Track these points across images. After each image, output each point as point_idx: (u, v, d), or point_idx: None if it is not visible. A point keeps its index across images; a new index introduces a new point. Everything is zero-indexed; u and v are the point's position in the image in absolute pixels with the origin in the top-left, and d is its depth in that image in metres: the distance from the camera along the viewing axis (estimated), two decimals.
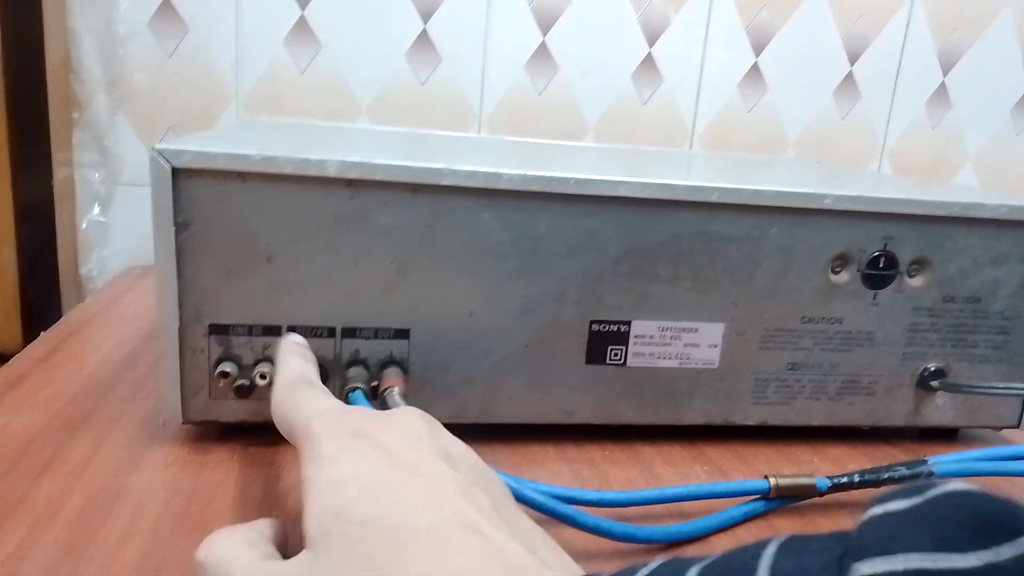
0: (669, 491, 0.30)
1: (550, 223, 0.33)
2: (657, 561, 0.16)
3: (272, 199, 0.31)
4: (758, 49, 0.70)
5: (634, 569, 0.16)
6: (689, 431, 0.38)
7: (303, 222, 0.31)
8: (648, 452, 0.36)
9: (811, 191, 0.34)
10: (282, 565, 0.20)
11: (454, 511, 0.18)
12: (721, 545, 0.29)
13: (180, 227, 0.31)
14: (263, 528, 0.23)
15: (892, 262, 0.36)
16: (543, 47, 0.66)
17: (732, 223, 0.34)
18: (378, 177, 0.31)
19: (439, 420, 0.35)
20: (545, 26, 0.66)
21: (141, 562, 0.25)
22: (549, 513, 0.27)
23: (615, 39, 0.67)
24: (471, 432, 0.36)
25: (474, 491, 0.20)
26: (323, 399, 0.24)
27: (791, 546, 0.15)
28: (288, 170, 0.30)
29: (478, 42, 0.65)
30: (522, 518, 0.21)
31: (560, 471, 0.34)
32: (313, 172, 0.31)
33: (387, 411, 0.23)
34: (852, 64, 0.72)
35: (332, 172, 0.31)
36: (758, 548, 0.15)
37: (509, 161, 0.35)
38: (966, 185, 0.77)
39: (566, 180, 0.32)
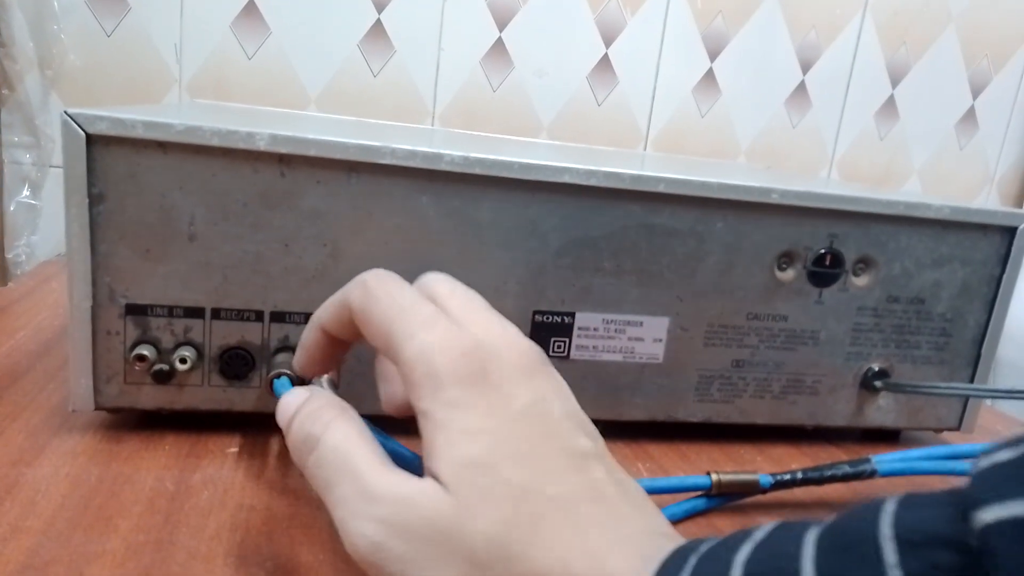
0: None
1: (492, 210, 0.32)
2: (771, 524, 0.17)
3: (196, 173, 0.29)
4: (713, 55, 0.70)
5: (748, 531, 0.17)
6: (632, 428, 0.37)
7: (229, 200, 0.30)
8: None
9: (757, 185, 0.34)
10: (416, 484, 0.19)
11: (582, 482, 0.19)
12: None
13: (94, 200, 0.29)
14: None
15: (838, 260, 0.36)
16: (499, 43, 0.65)
17: (678, 216, 0.34)
18: (311, 153, 0.29)
19: (372, 411, 0.33)
20: (502, 22, 0.65)
21: (28, 559, 0.23)
22: None
23: (572, 38, 0.67)
24: (403, 425, 0.34)
25: (593, 460, 0.20)
26: (436, 322, 0.21)
27: (910, 502, 0.16)
28: (213, 142, 0.29)
29: (433, 35, 0.64)
30: (628, 479, 0.21)
31: None
32: (241, 145, 0.29)
33: (509, 342, 0.21)
34: (804, 74, 0.73)
35: (262, 146, 0.29)
36: (875, 505, 0.16)
37: (455, 147, 0.34)
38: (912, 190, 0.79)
39: (510, 164, 0.31)
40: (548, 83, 0.67)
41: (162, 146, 0.29)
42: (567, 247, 0.33)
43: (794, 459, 0.37)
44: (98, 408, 0.31)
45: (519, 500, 0.19)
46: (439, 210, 0.31)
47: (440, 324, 0.21)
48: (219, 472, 0.29)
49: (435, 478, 0.19)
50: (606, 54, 0.68)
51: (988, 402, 0.51)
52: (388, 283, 0.22)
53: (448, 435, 0.19)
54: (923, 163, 0.79)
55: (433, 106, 0.65)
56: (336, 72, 0.62)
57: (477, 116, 0.66)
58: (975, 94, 0.77)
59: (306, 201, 0.30)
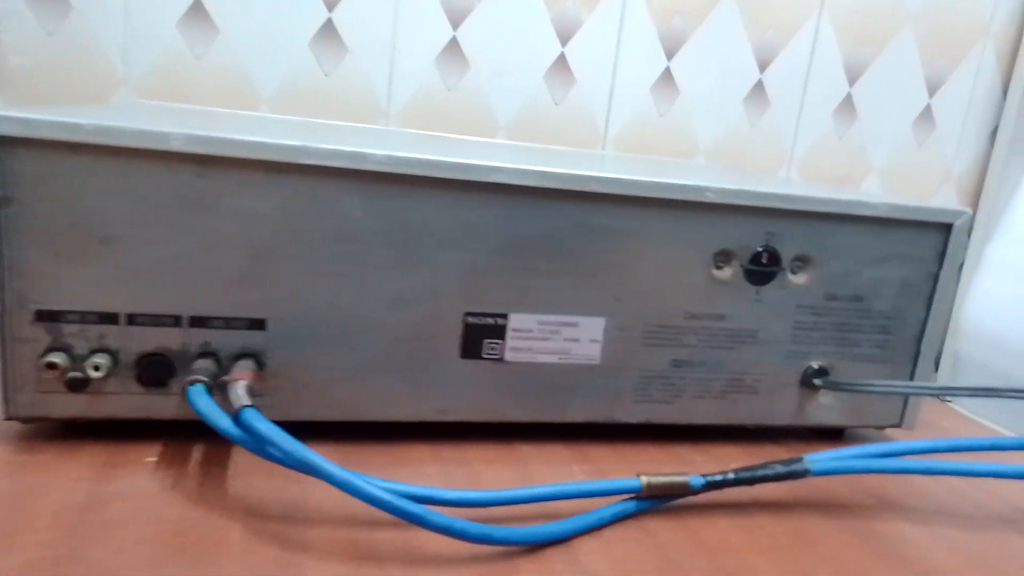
0: (534, 490, 0.28)
1: (423, 211, 0.31)
2: None
3: (108, 175, 0.28)
4: (670, 54, 0.70)
5: None
6: (572, 430, 0.36)
7: (144, 202, 0.29)
8: (528, 452, 0.35)
9: (692, 183, 0.34)
10: None
11: None
12: (586, 548, 0.28)
13: (2, 203, 0.28)
14: None
15: (775, 258, 0.36)
16: (454, 42, 0.65)
17: (613, 215, 0.33)
18: (229, 154, 0.29)
19: (302, 417, 0.33)
20: (456, 21, 0.64)
21: None
22: (396, 513, 0.25)
23: (527, 37, 0.66)
24: (340, 431, 0.34)
25: None
26: None
27: None
28: (126, 142, 0.28)
29: (386, 34, 0.63)
30: None
31: (429, 472, 0.32)
32: (155, 146, 0.28)
33: None
34: (762, 72, 0.73)
35: (176, 146, 0.28)
36: None
37: (403, 148, 0.33)
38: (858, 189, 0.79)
39: (439, 163, 0.31)
40: (505, 83, 0.66)
41: (72, 147, 0.28)
42: (502, 248, 0.33)
43: (737, 459, 0.37)
44: (9, 417, 0.30)
45: None
46: (367, 211, 0.31)
47: None
48: (134, 483, 0.28)
49: None
50: (562, 53, 0.67)
51: (946, 398, 0.51)
52: None
53: None
54: (882, 162, 0.79)
55: (388, 106, 0.64)
56: (287, 72, 0.61)
57: (433, 117, 0.65)
58: (931, 92, 0.78)
59: (226, 203, 0.29)
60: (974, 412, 0.50)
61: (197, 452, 0.31)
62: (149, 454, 0.31)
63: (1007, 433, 0.46)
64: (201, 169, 0.29)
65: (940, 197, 0.82)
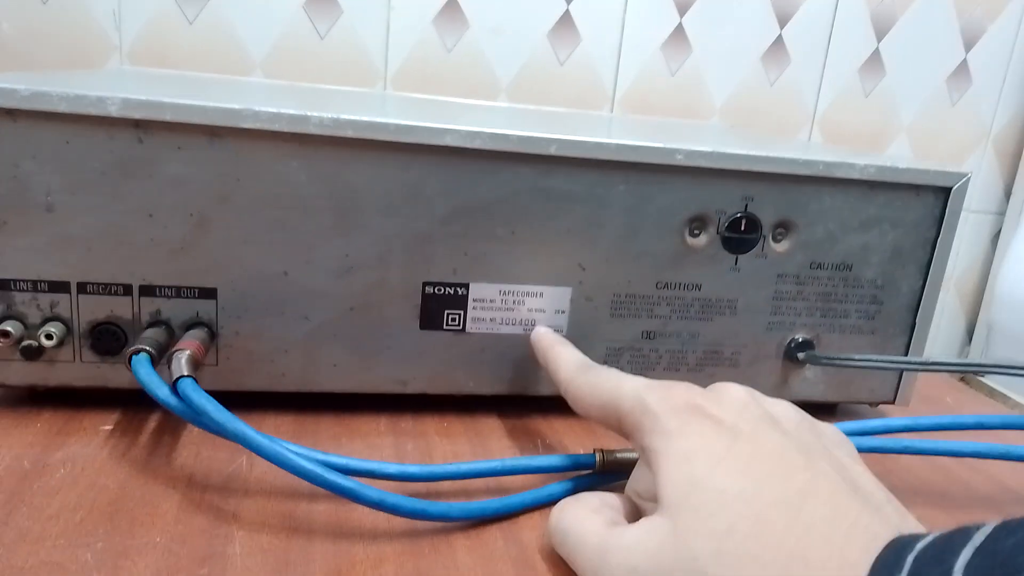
0: (479, 465, 0.28)
1: (367, 175, 0.30)
2: (990, 525, 0.16)
3: (47, 141, 0.28)
4: (682, 9, 0.67)
5: (966, 532, 0.16)
6: (539, 402, 0.35)
7: (84, 169, 0.28)
8: (490, 425, 0.34)
9: (660, 145, 0.32)
10: (635, 529, 0.21)
11: (804, 482, 0.20)
12: (531, 523, 0.27)
13: None
14: (606, 496, 0.25)
15: (754, 225, 0.34)
16: (452, 1, 0.63)
17: (574, 179, 0.32)
18: (168, 118, 0.28)
19: (255, 388, 0.32)
20: None
21: None
22: (325, 486, 0.24)
23: None
24: (294, 401, 0.33)
25: (815, 457, 0.21)
26: (630, 377, 0.26)
27: None
28: (62, 108, 0.27)
29: None
30: (860, 472, 0.22)
31: (381, 444, 0.31)
32: (91, 111, 0.28)
33: (709, 387, 0.25)
34: (782, 28, 0.69)
35: (114, 111, 0.28)
36: None
37: (398, 113, 0.32)
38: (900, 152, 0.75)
39: (384, 125, 0.30)
40: (506, 42, 0.64)
41: (10, 113, 0.27)
42: (455, 213, 0.31)
43: None
44: None
45: (733, 506, 0.19)
46: (311, 175, 0.30)
47: (634, 378, 0.25)
48: (84, 450, 0.28)
49: (660, 509, 0.21)
50: (567, 10, 0.65)
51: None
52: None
53: (668, 460, 0.21)
54: (912, 120, 0.75)
55: (385, 69, 0.63)
56: (280, 35, 0.60)
57: (431, 78, 0.64)
58: (968, 46, 0.73)
59: (167, 169, 0.29)
60: (1007, 387, 0.47)
61: (153, 421, 0.31)
62: (106, 422, 0.31)
63: None
64: (141, 134, 0.28)
65: (975, 157, 0.77)
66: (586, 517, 0.23)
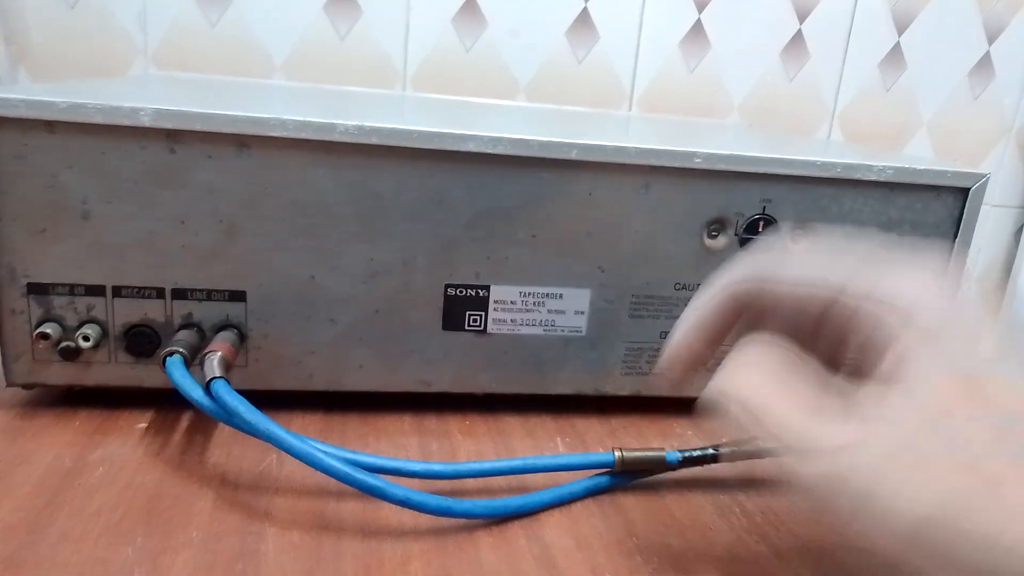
0: (501, 464, 0.28)
1: (393, 182, 0.31)
2: None
3: (83, 152, 0.29)
4: (701, 6, 0.67)
5: None
6: (559, 402, 0.36)
7: (119, 178, 0.29)
8: (512, 424, 0.35)
9: (679, 149, 0.32)
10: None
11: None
12: (553, 522, 0.28)
13: None
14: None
15: (772, 227, 0.34)
16: (471, 1, 0.63)
17: (594, 183, 0.32)
18: (198, 128, 0.29)
19: (283, 388, 0.33)
20: None
21: None
22: (353, 484, 0.25)
23: None
24: (321, 402, 0.34)
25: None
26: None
27: None
28: (98, 119, 0.28)
29: None
30: None
31: (407, 444, 0.32)
32: (125, 122, 0.28)
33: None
34: (801, 23, 0.69)
35: (147, 122, 0.29)
36: None
37: (421, 115, 0.33)
38: (917, 153, 0.74)
39: (408, 133, 0.30)
40: (524, 42, 0.65)
41: (48, 125, 0.28)
42: (478, 218, 0.32)
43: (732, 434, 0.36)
44: (10, 384, 0.31)
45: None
46: (337, 182, 0.31)
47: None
48: (121, 449, 0.30)
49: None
50: (585, 8, 0.65)
51: None
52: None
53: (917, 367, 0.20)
54: (933, 115, 0.74)
55: (404, 69, 0.64)
56: (301, 38, 0.61)
57: (450, 79, 0.64)
58: (991, 39, 0.72)
59: (198, 177, 0.30)
60: None
61: (185, 420, 0.32)
62: (140, 421, 0.32)
63: None
64: (172, 144, 0.29)
65: (997, 152, 0.76)
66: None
